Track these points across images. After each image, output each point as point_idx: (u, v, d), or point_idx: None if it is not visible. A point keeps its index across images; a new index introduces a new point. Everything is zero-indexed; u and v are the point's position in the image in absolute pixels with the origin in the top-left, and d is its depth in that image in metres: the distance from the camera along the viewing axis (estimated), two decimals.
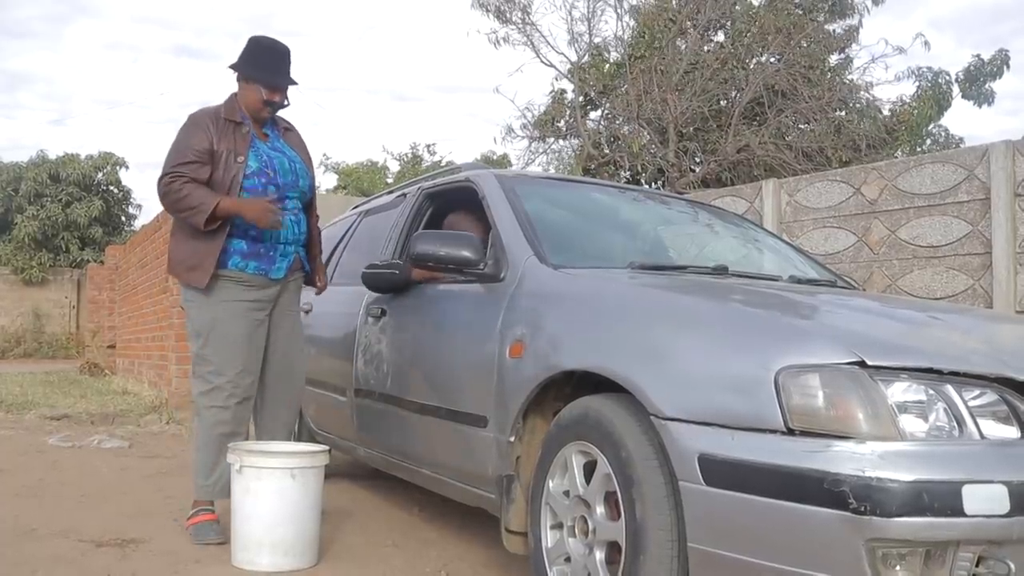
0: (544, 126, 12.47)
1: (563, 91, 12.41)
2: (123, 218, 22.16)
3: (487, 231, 2.99)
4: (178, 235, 3.16)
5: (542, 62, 12.15)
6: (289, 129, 3.32)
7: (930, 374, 1.68)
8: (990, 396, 1.69)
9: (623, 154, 11.34)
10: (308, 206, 3.30)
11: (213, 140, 3.02)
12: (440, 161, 21.22)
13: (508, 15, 11.93)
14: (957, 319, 2.24)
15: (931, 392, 1.66)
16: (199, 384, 3.11)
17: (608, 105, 12.14)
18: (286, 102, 3.19)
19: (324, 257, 3.61)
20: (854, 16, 11.55)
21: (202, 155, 3.00)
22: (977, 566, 1.58)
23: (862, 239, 5.52)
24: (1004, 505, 1.54)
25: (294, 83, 3.18)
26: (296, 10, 57.79)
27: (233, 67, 3.16)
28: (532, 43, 12.02)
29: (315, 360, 3.68)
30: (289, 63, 3.18)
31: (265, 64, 3.12)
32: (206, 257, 3.03)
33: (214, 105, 3.17)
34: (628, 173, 11.63)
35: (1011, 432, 1.67)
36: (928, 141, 11.77)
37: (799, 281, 2.90)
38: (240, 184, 3.03)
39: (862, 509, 1.53)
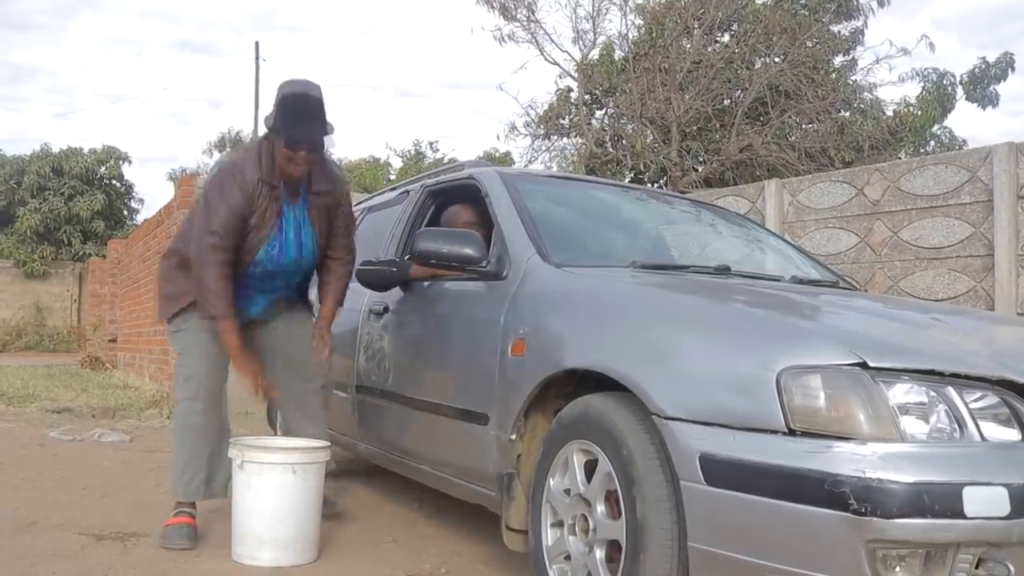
0: (547, 124, 12.47)
1: (568, 89, 12.40)
2: (125, 212, 22.20)
3: (487, 228, 2.99)
4: (172, 269, 3.17)
5: (546, 60, 12.15)
6: (320, 193, 3.05)
7: (932, 376, 1.68)
8: (991, 398, 1.70)
9: (626, 153, 11.34)
10: (334, 248, 3.21)
11: (251, 205, 2.90)
12: (443, 158, 21.22)
13: (513, 12, 11.93)
14: (959, 321, 2.24)
15: (932, 394, 1.67)
16: (176, 383, 3.15)
17: (612, 103, 12.13)
18: (317, 160, 2.93)
19: None
20: (859, 18, 11.55)
21: (240, 219, 2.89)
22: (977, 568, 1.58)
23: (864, 240, 5.52)
24: (1004, 507, 1.54)
25: (319, 139, 2.87)
26: (300, 5, 57.78)
27: (265, 121, 2.93)
28: (536, 41, 12.02)
29: None
30: (315, 115, 2.85)
31: (288, 118, 2.82)
32: (184, 296, 3.06)
33: (255, 153, 2.93)
34: (631, 172, 11.63)
35: (1012, 434, 1.67)
36: (932, 143, 11.77)
37: (801, 282, 2.90)
38: (253, 254, 3.00)
39: (862, 510, 1.53)
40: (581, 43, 12.00)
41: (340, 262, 3.24)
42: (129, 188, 22.20)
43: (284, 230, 3.03)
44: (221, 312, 2.91)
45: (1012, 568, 1.57)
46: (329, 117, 2.90)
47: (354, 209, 4.43)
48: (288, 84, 2.91)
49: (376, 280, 3.30)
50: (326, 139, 2.91)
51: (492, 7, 11.95)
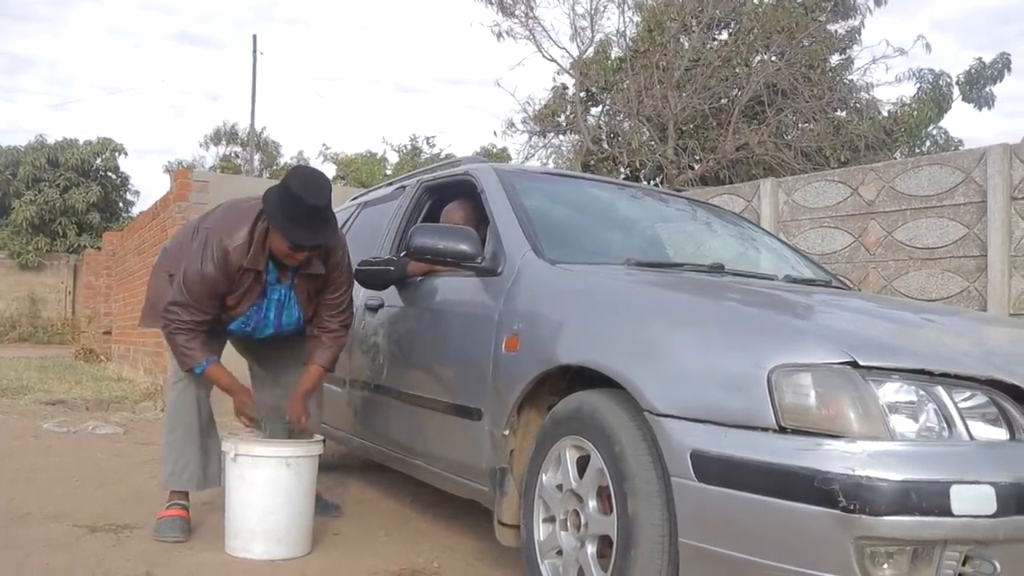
0: (544, 120, 12.48)
1: (565, 86, 12.42)
2: (121, 204, 22.19)
3: (483, 224, 3.00)
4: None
5: (544, 56, 12.16)
6: (312, 275, 2.94)
7: (921, 375, 1.70)
8: (980, 398, 1.71)
9: (622, 150, 11.35)
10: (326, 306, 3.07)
11: (230, 286, 2.84)
12: (439, 154, 21.23)
13: (511, 8, 11.93)
14: (950, 321, 2.25)
15: (922, 393, 1.68)
16: (171, 371, 3.12)
17: (609, 101, 12.14)
18: (318, 254, 2.88)
19: None
20: (856, 17, 11.57)
21: (217, 297, 2.84)
22: (963, 565, 1.59)
23: (859, 239, 5.53)
24: (991, 506, 1.56)
25: (325, 242, 2.81)
26: None
27: (264, 200, 2.77)
28: (534, 37, 12.04)
29: None
30: (325, 219, 2.76)
31: (295, 217, 2.69)
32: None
33: (247, 231, 2.78)
34: (627, 169, 11.64)
35: (1000, 434, 1.69)
36: (927, 143, 11.80)
37: (795, 280, 2.92)
38: (224, 325, 2.97)
39: (851, 507, 1.54)
40: (579, 40, 12.02)
41: (333, 335, 3.08)
42: (125, 180, 22.22)
43: (263, 309, 2.97)
44: (198, 361, 2.85)
45: (998, 566, 1.58)
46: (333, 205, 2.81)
47: (350, 203, 4.46)
48: (300, 181, 2.74)
49: (374, 281, 3.31)
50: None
51: (491, 3, 11.97)
